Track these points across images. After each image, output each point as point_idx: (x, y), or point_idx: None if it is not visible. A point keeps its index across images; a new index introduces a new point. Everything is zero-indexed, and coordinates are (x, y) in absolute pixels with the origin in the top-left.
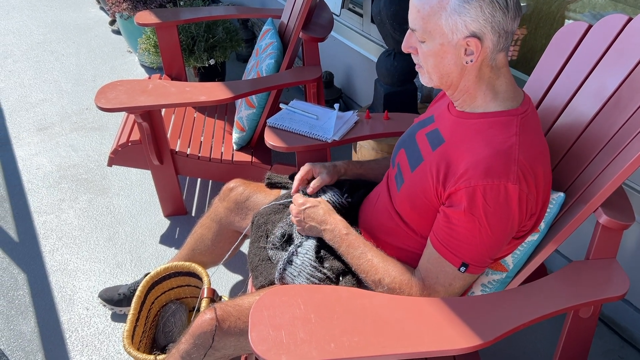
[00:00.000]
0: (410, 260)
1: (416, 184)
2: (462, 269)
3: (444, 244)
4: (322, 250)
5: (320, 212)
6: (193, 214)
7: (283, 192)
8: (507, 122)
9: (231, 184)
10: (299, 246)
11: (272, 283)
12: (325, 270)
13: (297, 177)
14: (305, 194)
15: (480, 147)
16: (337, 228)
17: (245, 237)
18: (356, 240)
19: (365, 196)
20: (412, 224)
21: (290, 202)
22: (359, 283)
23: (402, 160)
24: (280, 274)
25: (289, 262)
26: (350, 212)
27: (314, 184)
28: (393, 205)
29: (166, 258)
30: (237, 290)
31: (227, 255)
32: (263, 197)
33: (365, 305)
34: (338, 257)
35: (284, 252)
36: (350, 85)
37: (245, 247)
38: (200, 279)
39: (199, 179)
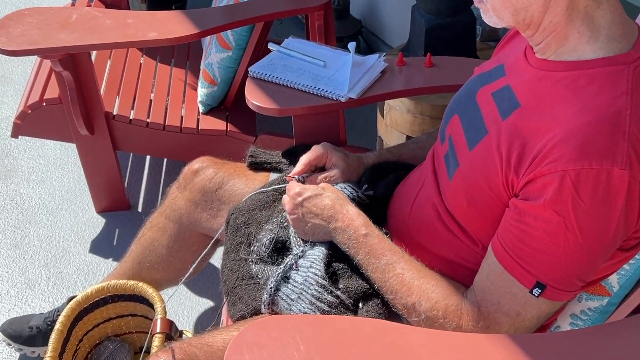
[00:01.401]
0: (461, 276)
1: (476, 169)
2: (537, 291)
3: (511, 254)
4: (334, 263)
5: (327, 202)
6: (139, 209)
7: (273, 176)
8: (614, 75)
9: (196, 164)
10: (300, 257)
11: (257, 312)
12: (338, 292)
13: (304, 160)
14: (299, 180)
15: (572, 113)
16: (352, 226)
17: (218, 243)
18: (380, 245)
19: (396, 185)
20: (469, 227)
21: (284, 191)
22: (389, 311)
23: (455, 132)
24: (270, 296)
25: (285, 279)
26: (372, 209)
27: (325, 176)
28: (442, 200)
29: (100, 275)
30: (206, 322)
31: (191, 270)
32: (243, 183)
33: (396, 345)
34: (359, 273)
35: (274, 267)
36: (374, 15)
37: (217, 259)
38: (151, 305)
39: (147, 158)
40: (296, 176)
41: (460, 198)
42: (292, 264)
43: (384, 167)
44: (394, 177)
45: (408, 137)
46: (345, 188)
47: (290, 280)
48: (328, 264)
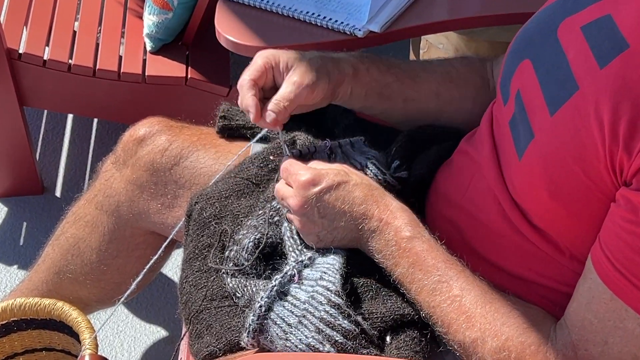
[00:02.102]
0: (542, 302)
1: (562, 144)
2: None
3: (624, 271)
4: (354, 278)
5: (357, 193)
6: (57, 194)
7: (256, 147)
8: None
9: (141, 129)
10: (305, 265)
11: (232, 347)
12: (358, 318)
13: (247, 83)
14: (300, 155)
15: None
16: (392, 226)
17: (174, 245)
18: (431, 254)
19: (440, 163)
20: (552, 229)
21: (275, 170)
22: (429, 349)
23: (526, 86)
24: (259, 319)
25: (281, 295)
26: (404, 199)
27: (279, 99)
28: (507, 190)
29: (2, 290)
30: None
31: (134, 284)
32: (212, 158)
33: None
34: (388, 294)
35: (261, 281)
36: None
37: (173, 268)
38: (75, 335)
39: (69, 118)
40: (294, 149)
41: (538, 188)
42: (293, 275)
43: (424, 136)
44: (436, 151)
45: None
46: (366, 167)
47: (289, 298)
48: (345, 279)
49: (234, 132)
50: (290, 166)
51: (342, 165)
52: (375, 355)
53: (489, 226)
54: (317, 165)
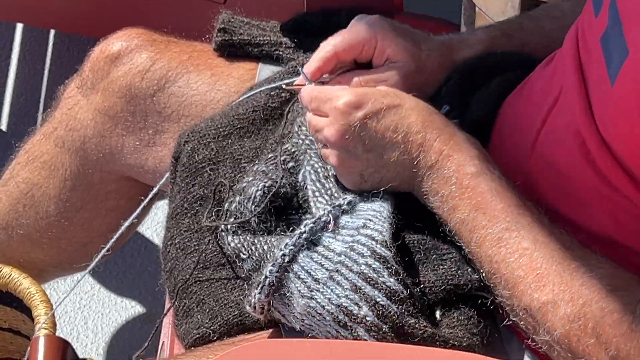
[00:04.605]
0: (633, 267)
1: None
2: None
3: None
4: (406, 235)
5: (413, 118)
6: (3, 127)
7: (265, 70)
8: None
9: (115, 43)
10: (344, 211)
11: (228, 329)
12: (407, 280)
13: (326, 51)
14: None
15: None
16: (455, 160)
17: (156, 196)
18: (499, 196)
19: (502, 100)
20: None
21: (291, 96)
22: (489, 330)
23: None
24: (278, 271)
25: (310, 245)
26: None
27: (367, 79)
28: (595, 125)
29: None
30: (131, 344)
31: (106, 246)
32: (206, 83)
33: None
34: (444, 258)
35: (274, 237)
36: None
37: (154, 225)
38: (27, 311)
39: (18, 28)
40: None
41: (633, 121)
42: (328, 221)
43: (484, 68)
44: (499, 84)
45: (526, 2)
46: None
47: (320, 248)
48: (394, 234)
49: (237, 49)
50: (320, 92)
51: (387, 89)
52: (426, 329)
53: (569, 175)
54: (362, 87)
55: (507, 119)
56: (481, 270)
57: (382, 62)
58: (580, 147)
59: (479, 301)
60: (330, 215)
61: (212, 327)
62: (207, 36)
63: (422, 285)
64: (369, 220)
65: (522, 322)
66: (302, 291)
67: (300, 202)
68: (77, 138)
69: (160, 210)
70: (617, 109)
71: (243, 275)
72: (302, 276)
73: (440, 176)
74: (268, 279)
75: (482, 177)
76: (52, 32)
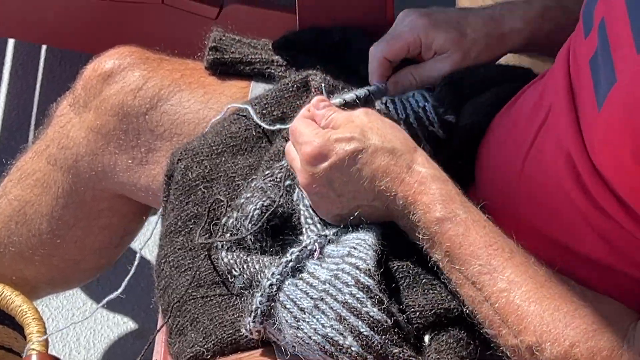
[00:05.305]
0: (623, 295)
1: None
2: None
3: None
4: (390, 262)
5: (378, 164)
6: None
7: (257, 88)
8: None
9: (108, 61)
10: (330, 241)
11: (222, 348)
12: (392, 308)
13: (376, 65)
14: (345, 105)
15: None
16: (421, 204)
17: (148, 212)
18: (469, 239)
19: (497, 110)
20: (639, 204)
21: (284, 119)
22: (482, 348)
23: (612, 12)
24: (267, 301)
25: (295, 273)
26: (450, 153)
27: (419, 73)
28: (584, 148)
29: None
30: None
31: (99, 262)
32: (199, 102)
33: None
34: (425, 280)
35: (267, 257)
36: None
37: (145, 241)
38: (19, 328)
39: (10, 44)
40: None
41: (619, 146)
42: (314, 250)
43: (475, 77)
44: (494, 95)
45: None
46: (412, 96)
47: (305, 276)
48: (379, 262)
49: (228, 67)
50: (296, 130)
51: (361, 113)
52: (410, 358)
53: (559, 197)
54: (328, 129)
55: (496, 134)
56: (465, 309)
57: (431, 56)
58: (571, 170)
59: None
60: (316, 244)
61: (206, 346)
62: (199, 53)
63: (412, 309)
64: (354, 248)
65: (514, 356)
66: (289, 321)
67: (296, 223)
68: (70, 156)
69: (152, 226)
70: (603, 135)
71: (236, 293)
72: (288, 306)
73: (409, 221)
74: (259, 310)
75: (448, 222)
76: (44, 46)
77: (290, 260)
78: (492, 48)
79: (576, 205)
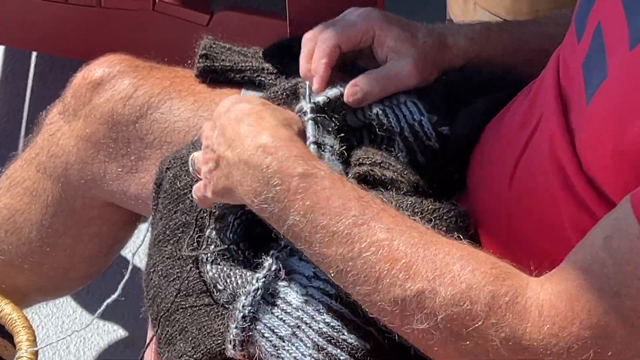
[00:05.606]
0: None
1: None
2: None
3: None
4: None
5: (236, 179)
6: None
7: (247, 95)
8: None
9: (97, 69)
10: (291, 252)
11: (213, 358)
12: (371, 328)
13: (325, 48)
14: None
15: None
16: (276, 158)
17: (138, 220)
18: (337, 193)
19: (487, 120)
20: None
21: None
22: None
23: (608, 17)
24: (243, 331)
25: (269, 298)
26: (441, 164)
27: (384, 75)
28: (573, 151)
29: None
30: None
31: (89, 270)
32: (189, 109)
33: None
34: None
35: (249, 271)
36: None
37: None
38: (8, 337)
39: (0, 50)
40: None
41: (603, 139)
42: (278, 269)
43: (468, 86)
44: (487, 103)
45: None
46: (404, 104)
47: (279, 302)
48: None
49: (219, 75)
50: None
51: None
52: None
53: (548, 203)
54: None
55: (487, 146)
56: (329, 270)
57: (384, 54)
58: (559, 173)
59: None
60: (278, 261)
61: (194, 356)
62: (190, 61)
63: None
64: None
65: (386, 317)
66: (269, 350)
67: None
68: (59, 164)
69: (142, 234)
70: (590, 128)
71: (223, 301)
72: (266, 335)
73: (252, 181)
74: (236, 340)
75: (313, 177)
76: (35, 53)
77: (258, 289)
78: (441, 61)
79: (565, 210)
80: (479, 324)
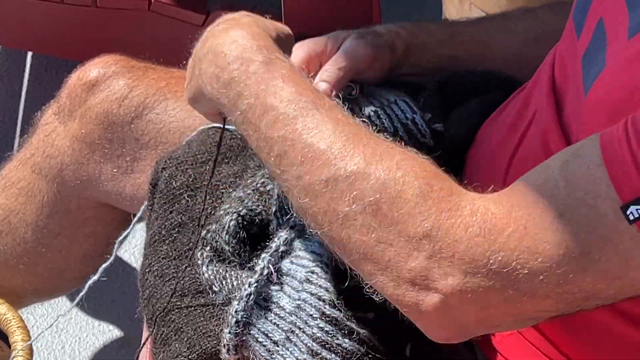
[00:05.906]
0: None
1: (637, 71)
2: (636, 211)
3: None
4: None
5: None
6: None
7: None
8: None
9: (93, 69)
10: (282, 255)
11: (209, 358)
12: (364, 331)
13: (301, 58)
14: (348, 99)
15: None
16: (243, 42)
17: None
18: (292, 80)
19: (482, 120)
20: None
21: None
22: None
23: (610, 11)
24: (237, 336)
25: (261, 302)
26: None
27: (326, 75)
28: (567, 143)
29: None
30: None
31: (84, 270)
32: (184, 109)
33: None
34: None
35: (245, 272)
36: None
37: (130, 249)
38: (1, 336)
39: None
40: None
41: (601, 130)
42: (270, 273)
43: (461, 86)
44: (481, 103)
45: None
46: (395, 103)
47: (272, 306)
48: (337, 266)
49: None
50: None
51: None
52: None
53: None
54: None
55: (482, 145)
56: (270, 155)
57: (334, 53)
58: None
59: None
60: (270, 265)
61: (190, 356)
62: (185, 61)
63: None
64: (312, 272)
65: (313, 200)
66: (264, 354)
67: (272, 228)
68: (55, 165)
69: (138, 233)
70: (587, 118)
71: (219, 302)
72: (260, 339)
73: (215, 69)
74: (230, 344)
75: (272, 64)
76: (30, 53)
77: (250, 294)
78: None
79: None
80: (405, 209)
